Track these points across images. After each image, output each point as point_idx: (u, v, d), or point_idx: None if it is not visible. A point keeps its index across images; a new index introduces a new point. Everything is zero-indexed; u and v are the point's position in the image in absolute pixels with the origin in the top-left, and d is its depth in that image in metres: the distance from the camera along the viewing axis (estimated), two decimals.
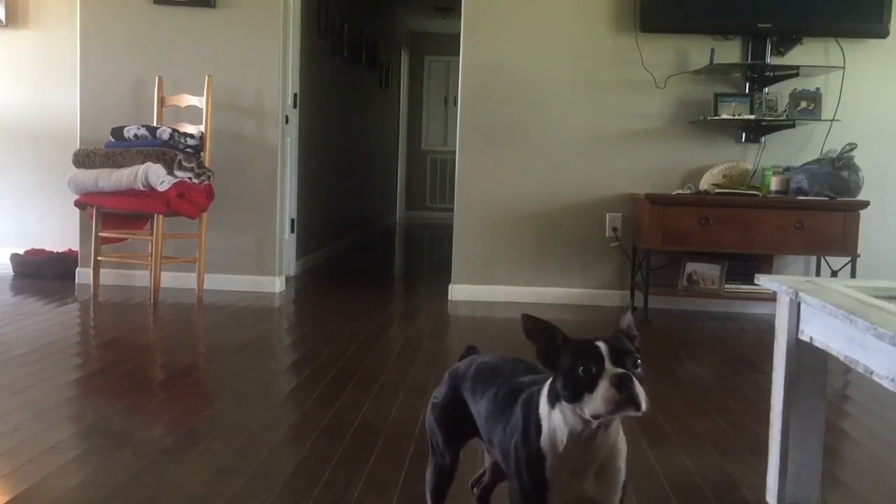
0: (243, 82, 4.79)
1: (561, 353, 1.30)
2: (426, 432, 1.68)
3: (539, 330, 1.35)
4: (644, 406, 1.24)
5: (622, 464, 1.35)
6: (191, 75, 4.71)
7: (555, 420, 1.31)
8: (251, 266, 4.86)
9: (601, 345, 1.27)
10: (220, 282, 4.79)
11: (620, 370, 1.24)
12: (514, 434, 1.38)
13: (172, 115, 4.74)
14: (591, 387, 1.24)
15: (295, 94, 5.35)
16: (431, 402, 1.66)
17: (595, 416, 1.25)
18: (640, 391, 1.24)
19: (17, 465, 2.12)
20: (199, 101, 4.59)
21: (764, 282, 2.00)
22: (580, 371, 1.25)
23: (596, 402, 1.24)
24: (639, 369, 1.27)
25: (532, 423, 1.35)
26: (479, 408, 1.53)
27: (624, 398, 1.23)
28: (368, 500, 1.96)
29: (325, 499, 1.96)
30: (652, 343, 3.95)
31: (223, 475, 2.11)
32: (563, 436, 1.30)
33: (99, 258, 4.58)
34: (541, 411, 1.34)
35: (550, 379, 1.34)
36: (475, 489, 1.80)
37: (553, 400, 1.32)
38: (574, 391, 1.26)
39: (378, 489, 2.02)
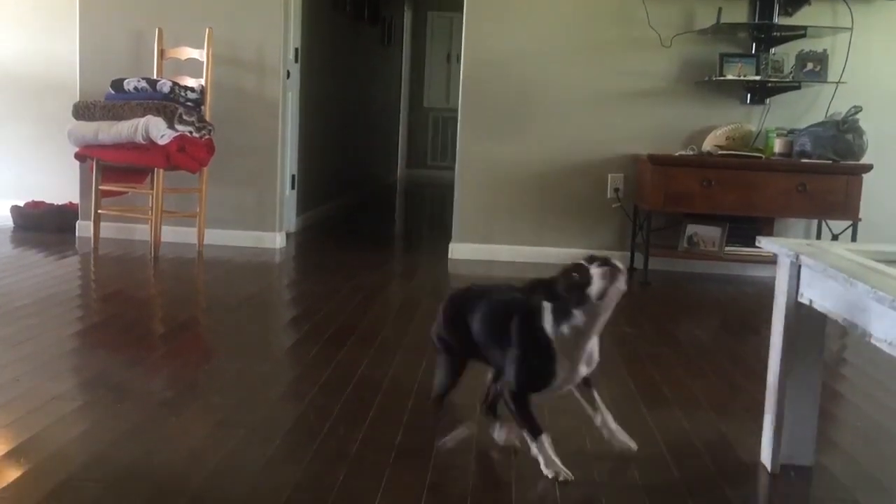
0: (244, 36, 4.73)
1: (552, 285, 1.83)
2: (435, 343, 2.07)
3: (536, 286, 1.86)
4: (624, 270, 1.78)
5: (597, 354, 1.92)
6: (191, 27, 4.65)
7: (563, 331, 1.83)
8: (252, 221, 4.86)
9: (576, 260, 1.82)
10: (220, 237, 4.79)
11: (596, 261, 1.78)
12: (520, 342, 1.89)
13: (172, 68, 4.69)
14: (586, 282, 1.76)
15: (296, 49, 5.30)
16: (434, 326, 2.08)
17: (599, 295, 1.76)
18: (619, 263, 1.78)
19: (18, 415, 2.14)
20: (199, 54, 4.55)
21: (765, 244, 2.00)
22: (574, 275, 1.78)
23: (596, 283, 1.75)
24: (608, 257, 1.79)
25: (538, 335, 1.85)
26: (474, 322, 1.98)
27: (610, 269, 1.76)
28: (367, 453, 1.98)
29: (324, 453, 1.98)
30: (651, 304, 3.96)
31: (223, 428, 2.13)
32: (569, 339, 1.84)
33: (99, 211, 4.58)
34: (548, 329, 1.85)
35: (548, 309, 1.84)
36: (483, 405, 2.10)
37: (559, 320, 1.83)
38: (578, 292, 1.77)
39: (376, 444, 2.04)
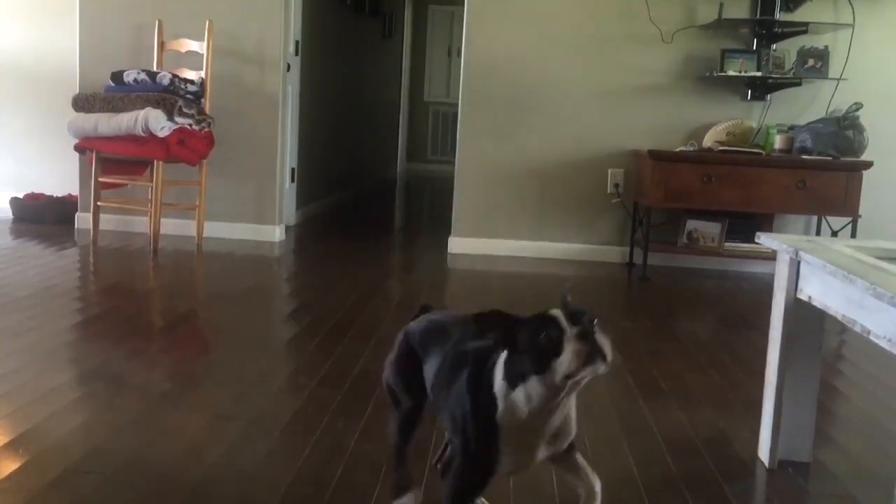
0: (244, 28, 4.72)
1: (517, 332, 1.31)
2: (385, 392, 1.67)
3: (493, 319, 1.33)
4: (609, 356, 1.25)
5: (573, 425, 1.40)
6: (191, 20, 4.64)
7: (514, 398, 1.32)
8: (251, 214, 4.85)
9: (555, 311, 1.28)
10: (219, 230, 4.78)
11: (580, 326, 1.26)
12: (462, 406, 1.38)
13: (172, 60, 4.68)
14: (557, 350, 1.25)
15: (297, 42, 5.29)
16: (386, 361, 1.66)
17: (569, 375, 1.25)
18: (604, 341, 1.26)
19: (17, 406, 2.14)
20: (199, 47, 4.54)
21: (764, 240, 2.00)
22: (543, 337, 1.26)
23: (566, 360, 1.24)
24: (596, 323, 1.28)
25: (484, 400, 1.35)
26: (428, 370, 1.53)
27: (590, 349, 1.24)
28: (365, 447, 1.98)
29: (323, 446, 1.98)
30: (650, 300, 3.97)
31: (222, 421, 2.13)
32: (522, 413, 1.32)
33: (98, 203, 4.57)
34: (496, 390, 1.34)
35: (503, 360, 1.34)
36: (439, 465, 1.77)
37: (514, 380, 1.32)
38: (541, 359, 1.27)
39: (375, 437, 2.05)
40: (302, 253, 4.71)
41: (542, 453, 1.37)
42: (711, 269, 4.60)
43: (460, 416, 1.38)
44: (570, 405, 1.37)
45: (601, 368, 1.25)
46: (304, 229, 5.44)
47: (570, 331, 1.25)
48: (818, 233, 4.53)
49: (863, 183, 4.15)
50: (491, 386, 1.35)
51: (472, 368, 1.40)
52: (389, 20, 8.92)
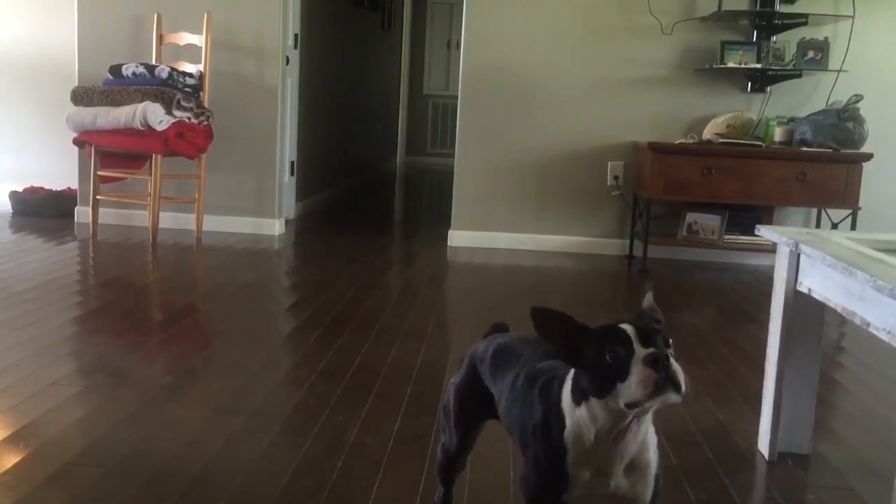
0: (243, 21, 4.71)
1: (583, 344, 1.17)
2: (441, 412, 1.59)
3: (553, 322, 1.20)
4: (685, 387, 1.11)
5: (653, 456, 1.23)
6: (190, 12, 4.63)
7: (580, 417, 1.19)
8: (251, 208, 4.85)
9: (626, 327, 1.15)
10: (219, 223, 4.78)
11: (652, 349, 1.12)
12: (532, 424, 1.28)
13: (171, 53, 4.67)
14: (622, 374, 1.11)
15: (296, 35, 5.27)
16: (450, 383, 1.56)
17: (632, 405, 1.12)
18: (678, 370, 1.11)
19: (17, 400, 2.14)
20: (198, 40, 4.53)
21: (764, 233, 2.00)
22: (608, 357, 1.13)
23: (631, 388, 1.11)
24: (670, 349, 1.15)
25: (553, 416, 1.23)
26: (498, 393, 1.42)
27: (661, 378, 1.10)
28: (366, 440, 1.99)
29: (323, 438, 1.99)
30: None
31: (222, 414, 2.13)
32: (589, 434, 1.18)
33: (98, 197, 4.57)
34: (563, 406, 1.22)
35: (572, 373, 1.22)
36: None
37: (579, 398, 1.19)
38: (604, 382, 1.13)
39: (375, 430, 2.05)
40: (302, 246, 4.71)
41: (618, 482, 1.21)
42: (711, 261, 4.60)
43: (531, 431, 1.27)
44: (647, 431, 1.22)
45: (672, 398, 1.11)
46: (303, 223, 5.43)
47: (639, 352, 1.12)
48: (818, 225, 4.53)
49: (863, 175, 4.15)
50: (559, 401, 1.23)
51: (543, 383, 1.29)
52: (388, 13, 8.90)
